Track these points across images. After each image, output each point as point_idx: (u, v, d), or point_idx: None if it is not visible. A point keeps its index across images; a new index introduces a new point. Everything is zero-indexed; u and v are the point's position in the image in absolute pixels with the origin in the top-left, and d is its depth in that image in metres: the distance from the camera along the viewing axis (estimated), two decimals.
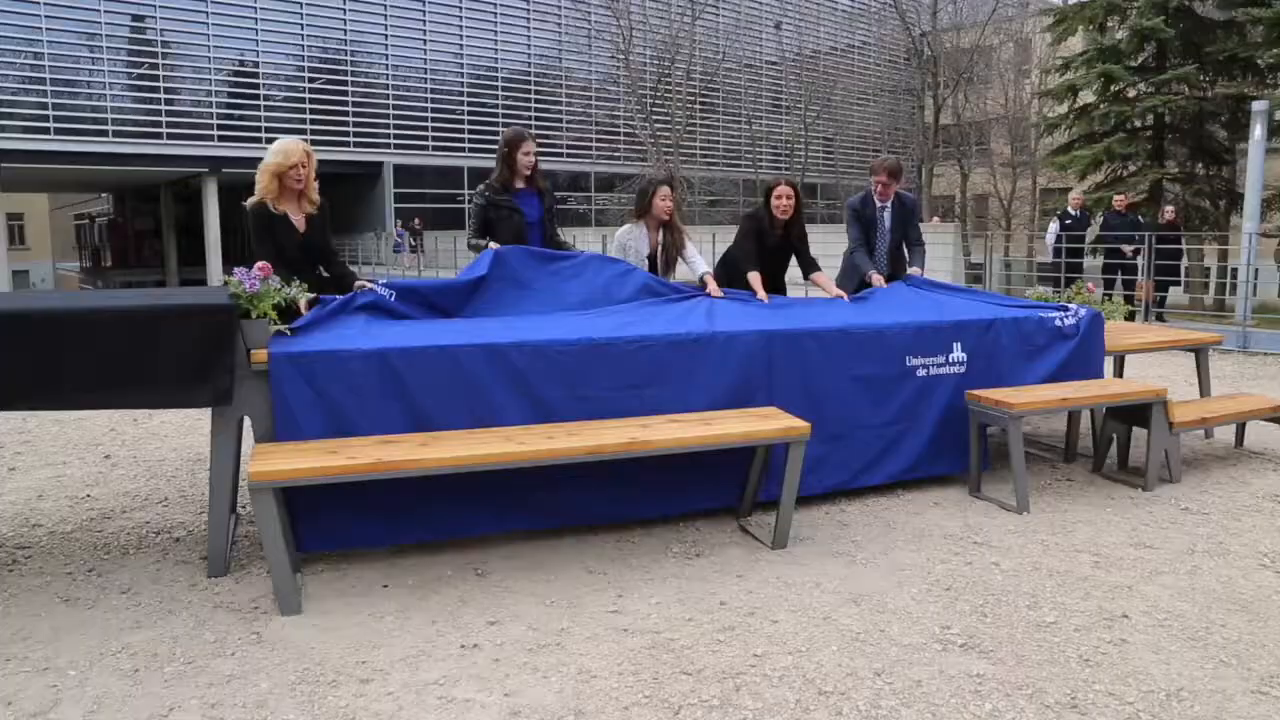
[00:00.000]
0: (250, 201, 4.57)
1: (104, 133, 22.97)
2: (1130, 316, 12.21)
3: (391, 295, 4.49)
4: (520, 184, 5.34)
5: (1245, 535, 4.21)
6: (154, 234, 34.57)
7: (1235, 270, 13.14)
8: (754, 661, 2.97)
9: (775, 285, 5.74)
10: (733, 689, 2.80)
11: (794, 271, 5.92)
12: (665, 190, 5.59)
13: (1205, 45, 18.95)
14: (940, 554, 3.94)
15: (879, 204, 6.23)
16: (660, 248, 5.62)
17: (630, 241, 5.57)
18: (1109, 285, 13.29)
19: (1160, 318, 13.10)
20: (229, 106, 24.75)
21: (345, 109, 25.99)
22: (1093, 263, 14.83)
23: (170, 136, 23.81)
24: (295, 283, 3.96)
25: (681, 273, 5.67)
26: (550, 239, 5.45)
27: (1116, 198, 14.48)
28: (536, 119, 29.02)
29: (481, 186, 5.40)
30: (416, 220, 25.67)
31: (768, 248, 5.64)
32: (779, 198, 5.61)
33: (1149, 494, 4.83)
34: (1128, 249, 13.30)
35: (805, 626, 3.23)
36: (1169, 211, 14.12)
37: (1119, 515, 4.49)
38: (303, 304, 3.99)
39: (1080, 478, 5.17)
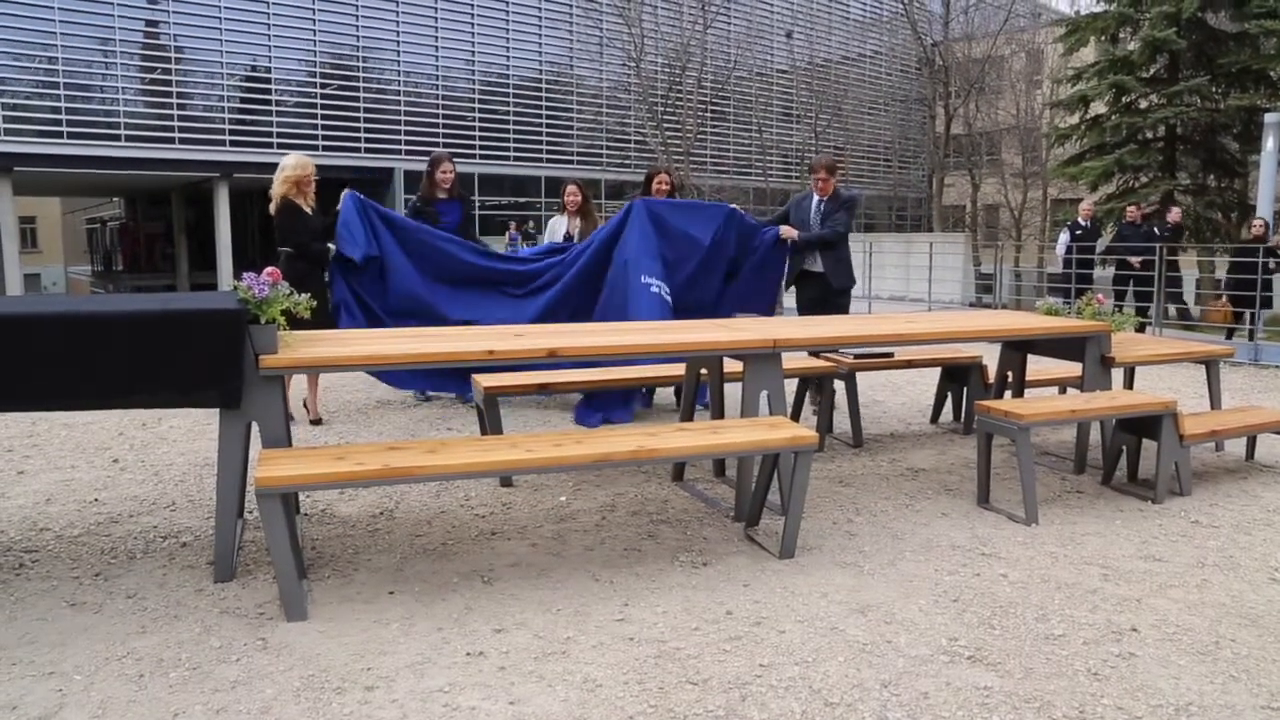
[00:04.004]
0: (281, 201, 6.39)
1: (116, 137, 23.05)
2: (1141, 329, 12.14)
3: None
4: (442, 195, 7.23)
5: (1255, 549, 4.18)
6: (165, 238, 34.69)
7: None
8: (760, 672, 2.96)
9: None
10: (738, 699, 2.79)
11: None
12: (570, 188, 7.53)
13: (1217, 57, 18.94)
14: (948, 565, 3.92)
15: (816, 198, 7.14)
16: (578, 233, 7.40)
17: (556, 226, 7.61)
18: (1120, 296, 13.22)
19: (1231, 335, 12.08)
20: (241, 112, 24.83)
21: (356, 115, 26.03)
22: (1102, 273, 14.77)
23: (182, 141, 23.88)
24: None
25: None
26: (466, 238, 7.19)
27: (1130, 209, 14.40)
28: (547, 126, 29.07)
29: (415, 197, 7.33)
30: (530, 224, 25.73)
31: None
32: (660, 183, 7.18)
33: (1158, 506, 4.80)
34: (1135, 260, 13.22)
35: (812, 637, 3.21)
36: (1257, 225, 12.82)
37: (1128, 527, 4.46)
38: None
39: (1089, 489, 5.14)
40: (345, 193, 6.79)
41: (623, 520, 4.50)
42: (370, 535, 4.27)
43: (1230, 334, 12.21)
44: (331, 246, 6.68)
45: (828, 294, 7.11)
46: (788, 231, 6.99)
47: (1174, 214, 14.47)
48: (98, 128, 23.08)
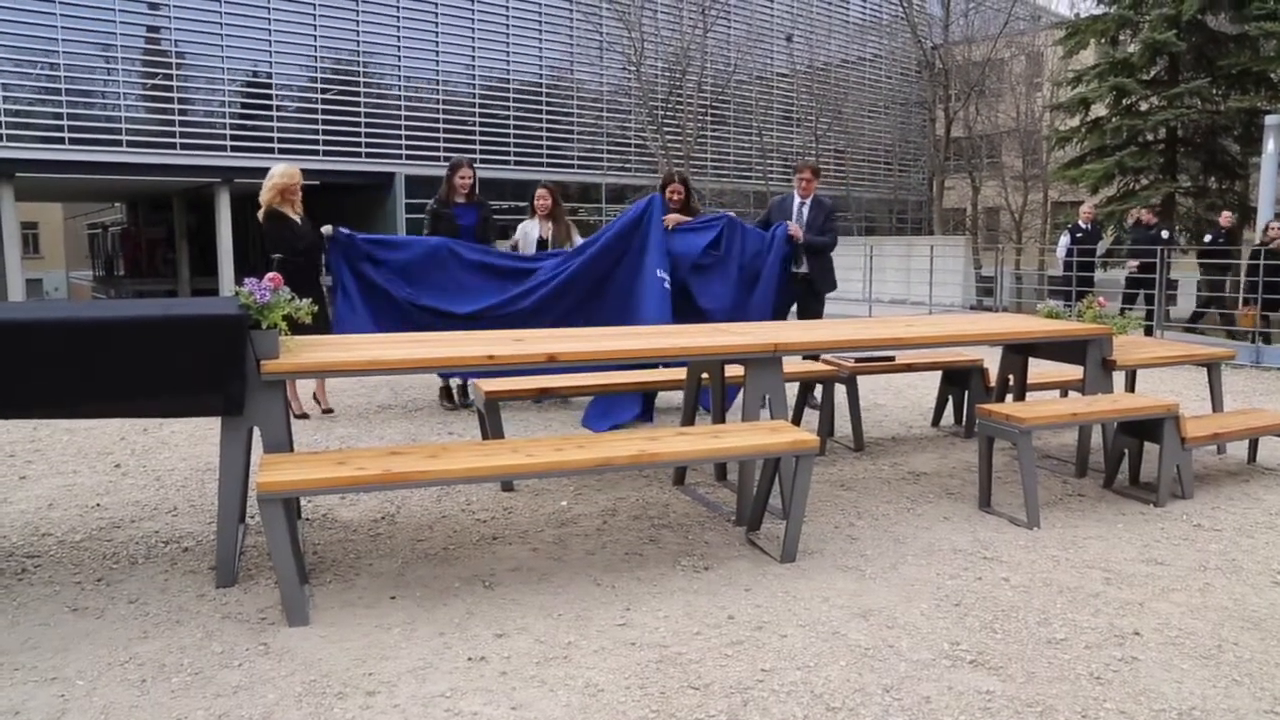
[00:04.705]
0: (268, 209, 6.54)
1: (118, 143, 23.08)
2: (1149, 331, 12.12)
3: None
4: (460, 199, 7.20)
5: (1258, 552, 4.18)
6: (166, 243, 34.70)
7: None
8: (762, 676, 2.96)
9: None
10: (740, 704, 2.78)
11: None
12: (540, 191, 7.50)
13: (1217, 59, 18.92)
14: (950, 569, 3.92)
15: (799, 200, 7.39)
16: (551, 237, 7.42)
17: (529, 230, 7.53)
18: (1130, 300, 13.17)
19: (1266, 338, 11.68)
20: (241, 117, 24.84)
21: (357, 120, 26.02)
22: (1103, 275, 14.74)
23: (183, 146, 23.89)
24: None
25: None
26: (482, 242, 7.19)
27: (1143, 212, 14.30)
28: (548, 130, 29.07)
29: (432, 200, 7.30)
30: None
31: None
32: (673, 192, 7.17)
33: (1160, 510, 4.80)
34: (1132, 264, 13.20)
35: (813, 641, 3.21)
36: (1274, 228, 12.40)
37: (1130, 531, 4.46)
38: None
39: (1091, 493, 5.14)
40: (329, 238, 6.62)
41: (624, 525, 4.50)
42: (372, 540, 4.27)
43: (1268, 339, 11.79)
44: (327, 229, 6.56)
45: (809, 297, 7.39)
46: (796, 230, 7.03)
47: (1225, 217, 14.11)
48: (99, 133, 23.10)
